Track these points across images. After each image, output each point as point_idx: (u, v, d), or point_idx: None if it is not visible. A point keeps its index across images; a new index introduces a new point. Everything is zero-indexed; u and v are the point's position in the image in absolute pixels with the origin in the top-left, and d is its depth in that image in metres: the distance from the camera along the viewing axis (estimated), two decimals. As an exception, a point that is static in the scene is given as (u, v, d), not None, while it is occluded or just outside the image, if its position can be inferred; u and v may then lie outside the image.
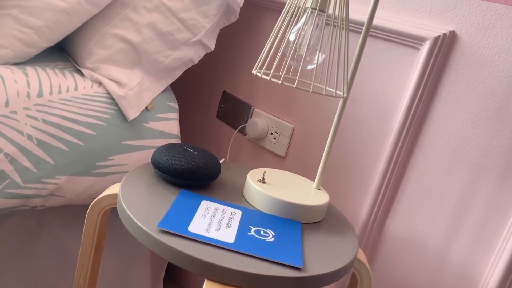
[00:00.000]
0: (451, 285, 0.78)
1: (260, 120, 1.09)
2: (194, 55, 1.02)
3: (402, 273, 0.85)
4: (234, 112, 1.19)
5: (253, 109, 1.13)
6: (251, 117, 1.13)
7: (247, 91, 1.17)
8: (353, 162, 0.92)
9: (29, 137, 0.79)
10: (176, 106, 1.03)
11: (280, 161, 1.07)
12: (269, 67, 0.67)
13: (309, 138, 1.01)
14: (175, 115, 1.02)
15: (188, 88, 1.36)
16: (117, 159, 0.90)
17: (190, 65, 1.03)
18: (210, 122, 1.28)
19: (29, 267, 0.94)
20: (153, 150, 0.96)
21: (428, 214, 0.81)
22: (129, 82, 0.93)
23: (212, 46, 1.04)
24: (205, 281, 0.54)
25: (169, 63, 0.99)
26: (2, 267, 0.91)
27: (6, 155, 0.76)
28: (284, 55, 0.67)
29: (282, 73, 0.63)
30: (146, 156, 0.95)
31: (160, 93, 1.00)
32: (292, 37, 0.66)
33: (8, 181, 0.77)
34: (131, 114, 0.91)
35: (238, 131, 1.17)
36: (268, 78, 0.63)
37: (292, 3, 0.64)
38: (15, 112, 0.78)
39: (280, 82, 0.62)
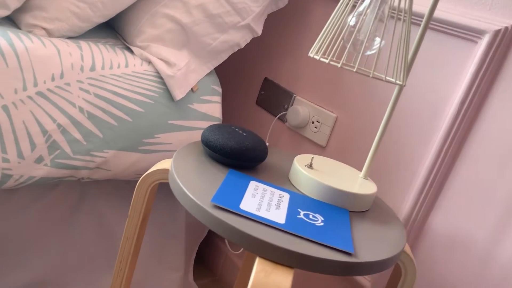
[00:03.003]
0: (494, 287, 0.76)
1: (302, 108, 1.08)
2: (241, 39, 1.02)
3: (442, 271, 0.83)
4: (274, 99, 1.19)
5: (295, 97, 1.12)
6: (292, 105, 1.13)
7: (289, 78, 1.16)
8: (398, 154, 0.91)
9: (81, 109, 0.80)
10: (220, 89, 1.04)
11: (320, 150, 1.07)
12: (325, 52, 0.66)
13: (352, 129, 1.00)
14: (218, 98, 1.03)
15: (229, 73, 1.36)
16: (162, 138, 0.91)
17: (236, 49, 1.03)
18: (249, 108, 1.28)
19: (69, 238, 0.97)
20: (196, 131, 0.97)
21: (475, 213, 0.79)
22: (178, 62, 0.93)
23: (259, 31, 1.04)
24: (257, 258, 0.54)
25: (216, 46, 0.99)
26: (45, 236, 0.93)
27: (59, 125, 0.78)
28: (342, 39, 0.66)
29: (333, 56, 0.63)
30: (190, 137, 0.95)
31: (205, 75, 1.01)
32: (352, 22, 0.65)
33: (58, 151, 0.79)
34: (178, 94, 0.92)
35: (278, 118, 1.16)
36: (327, 61, 0.63)
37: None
38: (68, 84, 0.79)
39: (339, 65, 0.61)
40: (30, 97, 0.75)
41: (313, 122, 1.07)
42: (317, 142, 1.06)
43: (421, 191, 0.85)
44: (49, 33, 0.85)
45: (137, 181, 0.99)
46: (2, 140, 0.73)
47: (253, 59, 1.28)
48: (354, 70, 0.61)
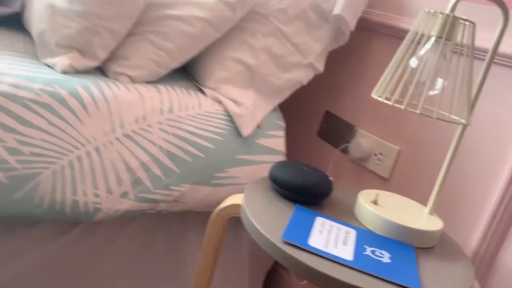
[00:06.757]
0: None
1: (365, 141, 1.11)
2: (304, 76, 1.07)
3: (515, 309, 0.81)
4: (336, 131, 1.22)
5: (357, 129, 1.15)
6: (353, 137, 1.15)
7: (350, 111, 1.19)
8: (464, 189, 0.90)
9: (161, 148, 0.89)
10: (283, 124, 1.09)
11: (383, 183, 1.08)
12: (387, 92, 0.69)
13: (415, 162, 1.01)
14: (282, 133, 1.08)
15: (291, 105, 1.41)
16: (231, 172, 0.97)
17: (299, 86, 1.09)
18: (311, 140, 1.32)
19: (144, 271, 1.04)
20: (262, 165, 1.02)
21: (549, 249, 0.77)
22: (245, 102, 1.00)
23: (321, 68, 1.09)
24: (327, 293, 0.57)
25: (280, 84, 1.05)
26: (120, 269, 1.00)
27: (142, 163, 0.87)
28: (405, 81, 0.69)
29: (396, 96, 0.65)
30: (257, 170, 1.01)
31: (270, 111, 1.07)
32: (414, 64, 0.68)
33: (141, 186, 0.87)
34: (246, 131, 0.98)
35: (340, 150, 1.19)
36: (390, 103, 0.66)
37: (417, 30, 0.67)
38: (150, 126, 0.88)
39: (403, 107, 0.64)
40: (117, 139, 0.84)
41: (375, 155, 1.09)
42: (380, 174, 1.08)
43: (489, 226, 0.84)
44: (132, 80, 0.95)
45: (208, 212, 1.05)
46: (94, 177, 0.83)
47: (314, 93, 1.33)
48: (418, 111, 0.64)
